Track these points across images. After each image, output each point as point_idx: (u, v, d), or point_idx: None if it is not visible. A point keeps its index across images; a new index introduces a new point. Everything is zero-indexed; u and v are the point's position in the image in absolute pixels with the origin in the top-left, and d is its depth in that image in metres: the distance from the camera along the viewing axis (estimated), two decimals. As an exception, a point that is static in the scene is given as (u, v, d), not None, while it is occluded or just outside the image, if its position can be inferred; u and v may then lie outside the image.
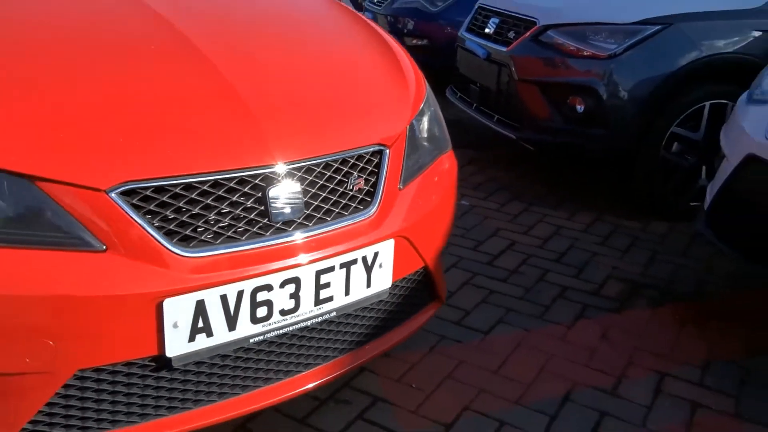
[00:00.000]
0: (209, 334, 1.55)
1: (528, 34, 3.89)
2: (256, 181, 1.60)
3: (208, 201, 1.55)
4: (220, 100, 1.67)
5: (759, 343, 2.61)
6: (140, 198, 1.48)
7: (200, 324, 1.53)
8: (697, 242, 3.46)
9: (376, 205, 1.82)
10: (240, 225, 1.58)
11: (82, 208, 1.43)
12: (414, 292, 2.05)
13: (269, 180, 1.62)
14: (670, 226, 3.65)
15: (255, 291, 1.59)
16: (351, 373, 2.12)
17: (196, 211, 1.53)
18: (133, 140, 1.52)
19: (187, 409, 1.63)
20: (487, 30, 4.28)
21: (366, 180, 1.82)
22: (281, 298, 1.64)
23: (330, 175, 1.74)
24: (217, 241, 1.55)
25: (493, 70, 4.09)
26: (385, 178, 1.85)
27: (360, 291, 1.79)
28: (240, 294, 1.57)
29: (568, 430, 2.12)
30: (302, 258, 1.65)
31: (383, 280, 1.84)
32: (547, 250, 3.33)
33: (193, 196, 1.53)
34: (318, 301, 1.71)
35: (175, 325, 1.50)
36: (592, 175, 4.33)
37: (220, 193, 1.56)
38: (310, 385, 1.81)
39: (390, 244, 1.83)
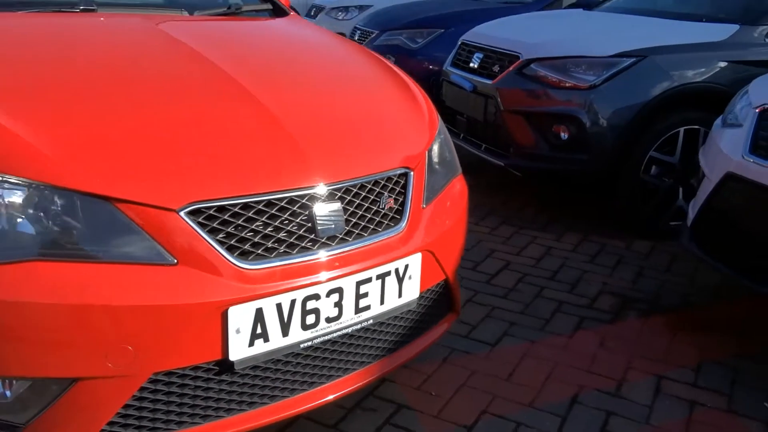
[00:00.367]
0: (266, 339, 1.71)
1: (512, 67, 4.14)
2: (304, 201, 1.78)
3: (263, 219, 1.71)
4: (267, 131, 1.85)
5: (744, 347, 2.82)
6: (205, 217, 1.64)
7: (258, 330, 1.69)
8: (679, 259, 3.69)
9: (405, 221, 2.00)
10: (291, 240, 1.75)
11: (156, 226, 1.59)
12: (436, 303, 2.22)
13: (314, 199, 1.79)
14: (652, 244, 3.88)
15: (305, 300, 1.75)
16: (373, 383, 2.28)
17: (253, 227, 1.70)
18: (197, 165, 1.69)
19: (243, 411, 1.77)
20: (471, 64, 4.53)
21: (395, 200, 2.00)
22: (327, 307, 1.80)
23: (365, 195, 1.92)
24: (272, 255, 1.72)
25: (480, 102, 4.32)
26: (411, 198, 2.03)
27: (393, 300, 1.96)
28: (292, 303, 1.73)
29: (580, 429, 2.30)
30: (344, 270, 1.82)
31: (412, 290, 2.02)
32: (540, 268, 3.53)
33: (250, 214, 1.70)
34: (357, 310, 1.88)
35: (237, 331, 1.65)
36: (576, 199, 4.57)
37: (273, 211, 1.73)
38: (350, 388, 1.96)
39: (418, 257, 2.00)
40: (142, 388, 1.60)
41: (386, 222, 1.96)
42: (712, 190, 2.82)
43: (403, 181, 2.04)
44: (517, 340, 2.83)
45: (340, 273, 1.81)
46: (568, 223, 4.14)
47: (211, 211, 1.65)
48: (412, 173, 2.06)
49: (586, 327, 2.96)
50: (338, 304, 1.82)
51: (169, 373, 1.63)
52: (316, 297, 1.77)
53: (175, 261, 1.60)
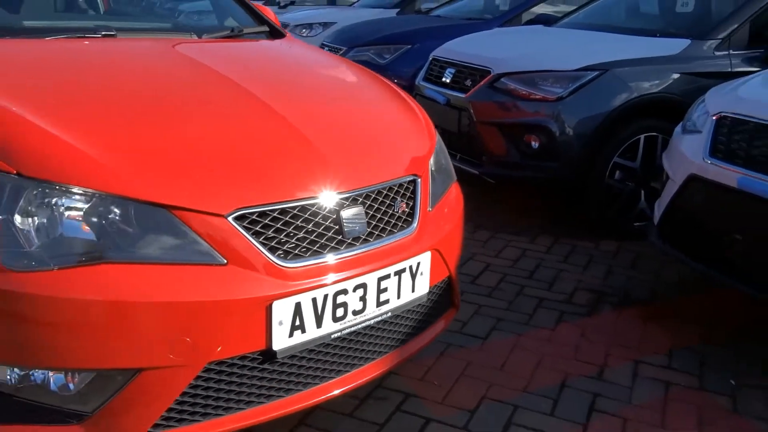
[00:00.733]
0: (303, 330, 1.90)
1: (484, 81, 4.41)
2: (332, 206, 1.98)
3: (298, 222, 1.91)
4: (295, 144, 2.06)
5: (709, 334, 3.11)
6: (249, 221, 1.83)
7: (297, 322, 1.88)
8: (644, 257, 3.98)
9: (416, 223, 2.21)
10: (322, 241, 1.95)
11: (208, 231, 1.77)
12: (441, 298, 2.44)
13: (341, 204, 1.99)
14: (619, 244, 4.17)
15: (336, 294, 1.95)
16: (380, 376, 2.48)
17: (289, 230, 1.89)
18: (239, 174, 1.88)
19: (280, 397, 1.96)
20: (444, 79, 4.78)
21: (406, 203, 2.22)
22: (353, 300, 2.00)
23: (381, 200, 2.12)
24: (307, 254, 1.91)
25: (454, 115, 4.57)
26: (420, 202, 2.25)
27: (407, 295, 2.17)
28: (325, 297, 1.93)
29: (571, 409, 2.54)
30: (367, 267, 2.02)
31: (423, 286, 2.23)
32: (518, 269, 3.78)
33: (287, 218, 1.89)
34: (378, 303, 2.08)
35: (280, 323, 1.84)
36: (547, 203, 4.85)
37: (306, 215, 1.93)
38: (370, 376, 2.16)
39: (428, 255, 2.22)
40: (198, 377, 1.78)
41: (400, 224, 2.17)
42: (676, 190, 3.11)
43: (412, 187, 2.25)
44: (506, 334, 3.06)
45: (364, 270, 2.01)
46: (540, 227, 4.42)
47: (254, 216, 1.84)
48: (419, 180, 2.27)
49: (566, 320, 3.21)
50: (363, 298, 2.02)
51: (221, 363, 1.81)
52: (345, 292, 1.97)
53: (225, 261, 1.78)
